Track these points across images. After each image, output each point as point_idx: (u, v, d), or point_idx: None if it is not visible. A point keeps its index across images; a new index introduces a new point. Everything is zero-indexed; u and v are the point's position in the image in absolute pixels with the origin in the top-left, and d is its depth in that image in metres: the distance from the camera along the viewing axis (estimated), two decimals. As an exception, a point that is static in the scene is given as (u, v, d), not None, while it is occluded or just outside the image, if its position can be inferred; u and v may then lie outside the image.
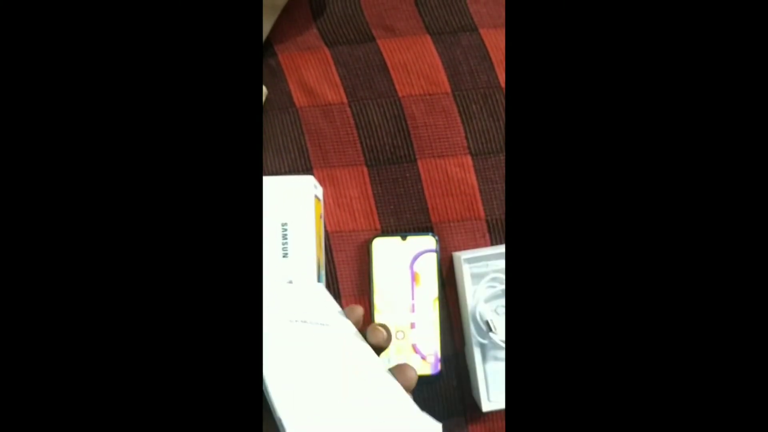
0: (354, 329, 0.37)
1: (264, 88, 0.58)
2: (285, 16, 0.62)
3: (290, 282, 0.49)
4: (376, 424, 0.27)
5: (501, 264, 0.56)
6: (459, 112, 0.60)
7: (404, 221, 0.59)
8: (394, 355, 0.56)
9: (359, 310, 0.39)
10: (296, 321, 0.34)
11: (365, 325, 0.37)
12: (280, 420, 0.26)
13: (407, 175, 0.60)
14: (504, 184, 0.59)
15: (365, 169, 0.60)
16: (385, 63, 0.62)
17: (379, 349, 0.35)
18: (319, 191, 0.57)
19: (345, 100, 0.61)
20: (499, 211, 0.59)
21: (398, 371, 0.32)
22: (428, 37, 0.62)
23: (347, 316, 0.38)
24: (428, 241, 0.58)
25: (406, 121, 0.60)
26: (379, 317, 0.57)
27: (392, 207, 0.59)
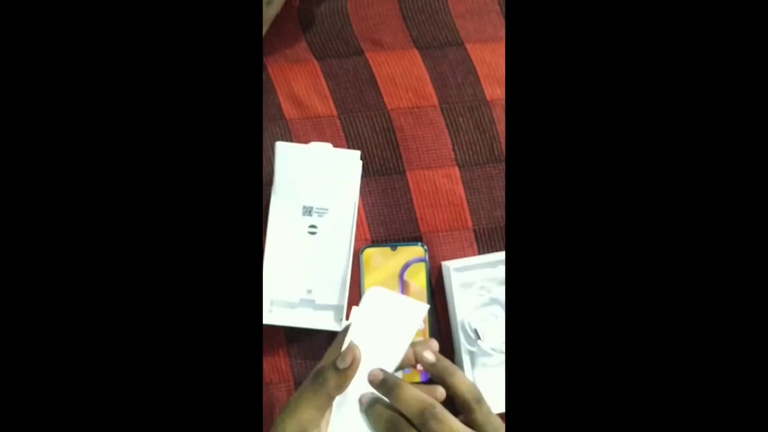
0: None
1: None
2: (274, 28, 0.63)
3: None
4: None
5: (489, 273, 0.57)
6: (446, 124, 0.62)
7: (394, 231, 0.60)
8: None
9: None
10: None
11: None
12: None
13: (396, 186, 0.61)
14: (490, 195, 0.61)
15: (355, 180, 0.61)
16: (373, 76, 0.63)
17: None
18: None
19: (334, 112, 0.62)
20: (486, 221, 0.61)
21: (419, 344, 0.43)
22: (416, 51, 0.64)
23: None
24: (417, 251, 0.59)
25: (394, 134, 0.62)
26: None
27: (382, 217, 0.60)
